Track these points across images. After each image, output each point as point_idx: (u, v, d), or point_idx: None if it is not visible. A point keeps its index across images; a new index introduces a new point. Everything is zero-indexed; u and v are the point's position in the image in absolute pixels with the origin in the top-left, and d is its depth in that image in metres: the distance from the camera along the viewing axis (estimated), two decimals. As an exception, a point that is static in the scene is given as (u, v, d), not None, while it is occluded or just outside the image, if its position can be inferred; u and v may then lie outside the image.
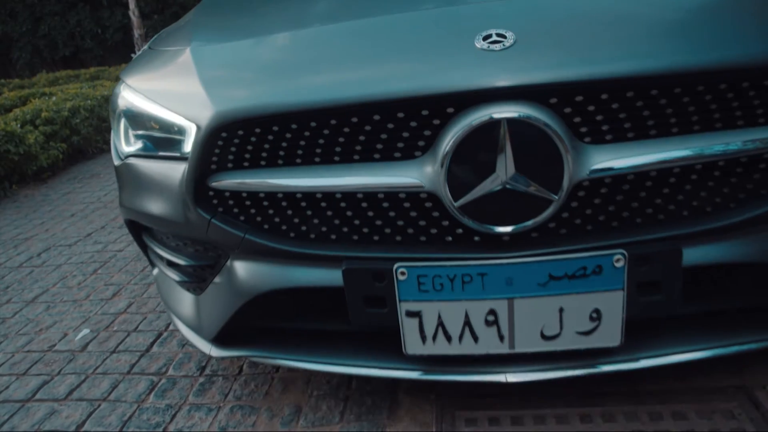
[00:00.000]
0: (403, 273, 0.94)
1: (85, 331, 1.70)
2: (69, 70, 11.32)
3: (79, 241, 2.48)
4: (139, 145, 1.16)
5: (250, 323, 1.17)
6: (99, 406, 1.34)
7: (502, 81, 0.85)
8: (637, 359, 1.01)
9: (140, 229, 1.32)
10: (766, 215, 0.91)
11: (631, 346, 1.00)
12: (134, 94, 1.17)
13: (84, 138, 4.13)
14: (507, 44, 0.89)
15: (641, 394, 1.14)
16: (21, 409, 1.36)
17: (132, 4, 11.76)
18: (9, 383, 1.48)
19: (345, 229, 0.99)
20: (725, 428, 1.03)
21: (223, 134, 0.97)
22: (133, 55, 12.14)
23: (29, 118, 3.80)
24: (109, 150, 4.37)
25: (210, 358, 1.47)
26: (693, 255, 0.94)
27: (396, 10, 1.08)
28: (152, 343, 1.58)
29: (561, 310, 0.95)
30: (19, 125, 3.58)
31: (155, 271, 1.39)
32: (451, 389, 1.22)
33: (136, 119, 1.17)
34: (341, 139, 0.94)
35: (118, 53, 14.32)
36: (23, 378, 1.50)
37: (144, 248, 1.37)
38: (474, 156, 0.87)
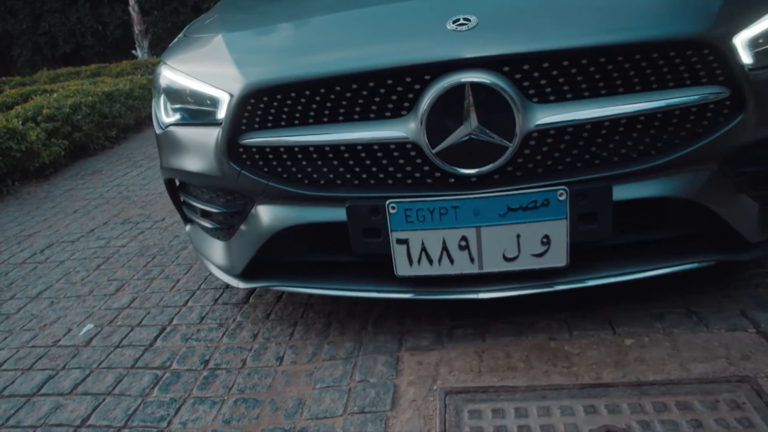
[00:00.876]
0: (393, 208, 1.20)
1: (89, 326, 1.71)
2: (70, 67, 11.30)
3: (81, 237, 2.48)
4: (177, 116, 1.45)
5: (270, 259, 1.42)
6: (104, 400, 1.35)
7: (467, 54, 1.12)
8: (582, 280, 1.26)
9: (177, 188, 1.61)
10: (679, 160, 1.16)
11: (577, 270, 1.26)
12: (174, 72, 1.45)
13: (86, 134, 4.13)
14: (471, 26, 1.16)
15: (644, 384, 1.14)
16: (26, 404, 1.37)
17: (132, 1, 11.73)
18: (14, 378, 1.48)
19: (348, 176, 1.26)
20: (731, 418, 1.03)
21: (251, 101, 1.24)
22: (134, 51, 12.13)
23: (31, 115, 3.80)
24: (110, 147, 4.37)
25: (216, 348, 1.48)
26: (621, 192, 1.19)
27: (386, 0, 1.36)
28: (156, 338, 1.59)
29: (518, 236, 1.20)
30: (20, 122, 3.58)
31: (188, 227, 1.68)
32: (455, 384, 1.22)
33: (175, 94, 1.45)
34: (344, 102, 1.21)
35: (119, 50, 14.29)
36: (28, 373, 1.50)
37: (179, 205, 1.67)
38: (446, 113, 1.14)
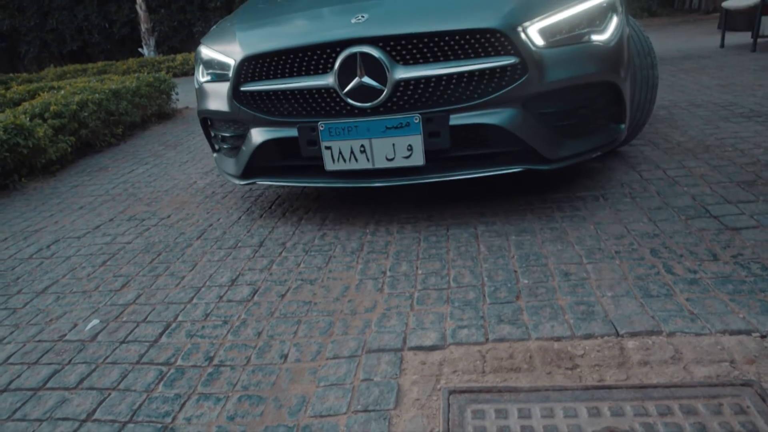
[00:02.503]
0: (321, 126, 1.96)
1: (95, 321, 1.72)
2: (77, 65, 11.35)
3: (87, 234, 2.50)
4: (208, 77, 2.32)
5: (256, 164, 2.20)
6: (109, 394, 1.36)
7: (358, 35, 1.87)
8: (438, 177, 1.95)
9: (207, 125, 2.46)
10: (490, 101, 1.84)
11: (433, 171, 1.97)
12: (207, 49, 2.31)
13: (92, 131, 4.14)
14: (363, 20, 1.91)
15: (648, 387, 1.15)
16: (33, 398, 1.38)
17: (139, -1, 11.78)
18: (21, 372, 1.49)
19: (298, 108, 2.04)
20: (735, 422, 1.03)
21: (245, 64, 2.06)
22: (140, 49, 12.18)
23: (38, 112, 3.82)
24: (116, 144, 4.39)
25: (220, 345, 1.49)
26: (455, 120, 1.88)
27: (322, 4, 2.20)
28: (161, 334, 1.60)
29: (393, 145, 1.92)
30: (28, 118, 3.60)
31: (215, 155, 2.52)
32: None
33: (207, 63, 2.31)
34: (294, 65, 1.99)
35: (125, 47, 14.33)
36: (34, 367, 1.51)
37: (209, 137, 2.50)
38: (348, 70, 1.88)
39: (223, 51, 2.18)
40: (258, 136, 2.12)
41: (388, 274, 1.77)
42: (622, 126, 2.13)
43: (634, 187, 2.24)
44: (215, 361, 1.43)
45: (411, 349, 1.38)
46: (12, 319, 1.80)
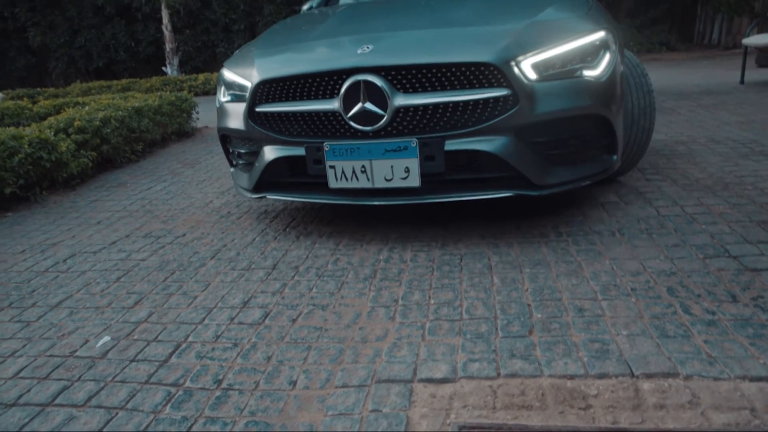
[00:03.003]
0: (327, 147, 2.09)
1: (106, 338, 1.72)
2: (102, 81, 11.62)
3: (103, 249, 2.52)
4: (228, 97, 2.47)
5: (267, 180, 2.35)
6: (116, 414, 1.35)
7: (362, 64, 2.01)
8: (433, 198, 2.07)
9: (226, 141, 2.62)
10: (483, 129, 1.96)
11: (429, 192, 2.09)
12: (229, 72, 2.47)
13: (113, 147, 4.22)
14: (368, 51, 2.05)
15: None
16: (40, 413, 1.38)
17: (165, 19, 12.09)
18: (30, 386, 1.50)
19: (306, 129, 2.18)
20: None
21: (260, 87, 2.22)
22: (164, 68, 12.45)
23: (63, 127, 3.90)
24: (136, 161, 4.46)
25: (229, 368, 1.48)
26: (450, 145, 1.99)
27: (333, 35, 2.39)
28: (171, 354, 1.59)
29: (392, 167, 2.04)
30: (52, 133, 3.68)
31: (232, 170, 2.68)
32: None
33: (228, 84, 2.47)
34: (304, 89, 2.14)
35: (150, 65, 14.67)
36: (44, 382, 1.52)
37: (227, 153, 2.67)
38: (353, 96, 2.02)
39: (242, 74, 2.34)
40: (270, 153, 2.27)
41: (401, 302, 1.76)
42: (615, 157, 2.23)
43: (651, 223, 2.21)
44: (224, 385, 1.43)
45: (421, 381, 1.36)
46: (25, 332, 1.82)
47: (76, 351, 1.67)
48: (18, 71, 15.41)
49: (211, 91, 10.56)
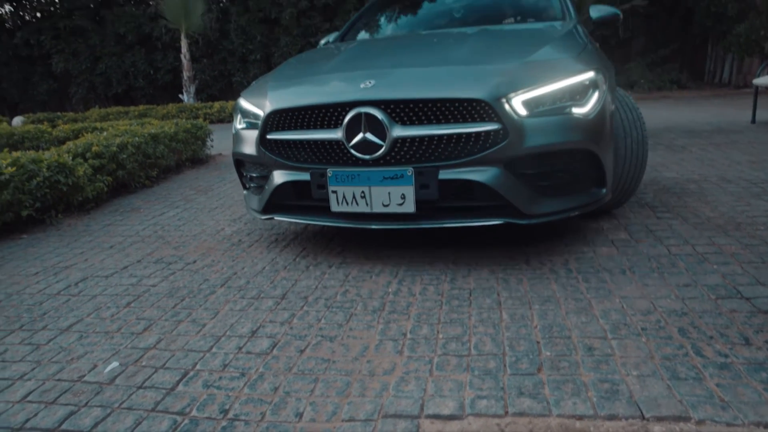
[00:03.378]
0: (330, 173, 2.23)
1: (114, 364, 1.73)
2: (120, 107, 11.89)
3: (115, 273, 2.55)
4: (243, 124, 2.64)
5: (275, 203, 2.51)
6: (122, 442, 1.35)
7: (364, 98, 2.15)
8: (427, 223, 2.20)
9: (239, 165, 2.78)
10: (475, 160, 2.08)
11: (424, 218, 2.21)
12: (245, 102, 2.64)
13: (129, 173, 4.30)
14: (370, 86, 2.19)
15: (676, 478, 1.09)
16: (46, 439, 1.38)
17: (184, 48, 12.40)
18: (38, 411, 1.50)
19: (311, 156, 2.33)
20: None
21: (271, 117, 2.39)
22: (180, 95, 12.71)
23: (81, 151, 3.98)
24: (150, 186, 4.53)
25: (236, 398, 1.47)
26: (444, 174, 2.12)
27: (340, 71, 2.53)
28: (178, 382, 1.59)
29: (389, 193, 2.16)
30: (71, 157, 3.76)
31: (245, 192, 2.84)
32: None
33: (243, 113, 2.63)
34: (311, 119, 2.29)
35: (167, 92, 14.99)
36: (51, 407, 1.52)
37: (240, 176, 2.83)
38: (355, 126, 2.16)
39: (256, 104, 2.52)
40: (278, 177, 2.43)
41: (409, 336, 1.76)
42: (604, 190, 2.32)
43: (661, 261, 2.21)
44: (230, 415, 1.42)
45: (428, 417, 1.35)
46: (35, 355, 1.83)
47: (84, 376, 1.67)
48: (40, 96, 15.80)
49: (225, 119, 10.75)
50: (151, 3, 13.09)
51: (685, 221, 2.69)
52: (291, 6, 12.76)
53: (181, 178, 4.87)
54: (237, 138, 2.65)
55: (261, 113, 2.43)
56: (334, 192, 2.24)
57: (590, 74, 2.24)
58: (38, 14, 14.99)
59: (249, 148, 2.52)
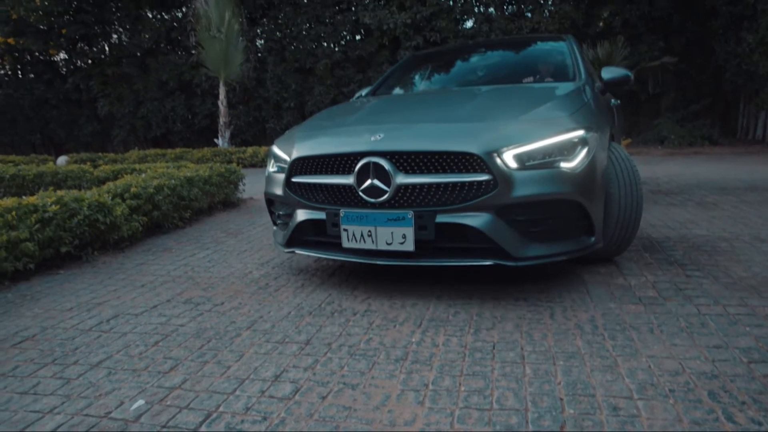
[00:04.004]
0: (342, 213, 2.51)
1: (140, 401, 1.76)
2: (157, 149, 12.36)
3: (145, 312, 2.61)
4: (275, 168, 2.99)
5: (296, 237, 2.83)
6: (144, 481, 1.36)
7: (373, 149, 2.45)
8: (426, 261, 2.44)
9: (270, 203, 3.13)
10: (468, 206, 2.32)
11: (422, 256, 2.45)
12: (277, 149, 2.99)
13: (163, 214, 4.44)
14: (379, 139, 2.48)
15: None
16: (72, 474, 1.40)
17: (222, 95, 12.93)
18: (65, 446, 1.53)
19: (327, 198, 2.63)
20: None
21: (295, 163, 2.74)
22: (216, 140, 13.16)
23: (120, 192, 4.16)
24: (182, 227, 4.67)
25: (255, 446, 1.48)
26: (441, 218, 2.36)
27: (356, 124, 2.86)
28: (201, 422, 1.62)
29: (392, 233, 2.41)
30: (110, 197, 3.92)
31: (274, 228, 3.18)
32: None
33: (275, 158, 3.01)
34: (329, 166, 2.62)
35: (203, 137, 15.54)
36: (78, 442, 1.55)
37: (271, 213, 3.19)
38: (364, 173, 2.46)
39: (286, 151, 2.87)
40: (300, 216, 2.76)
41: (431, 387, 1.75)
42: (592, 239, 2.53)
43: (691, 321, 2.16)
44: (250, 459, 1.43)
45: (448, 471, 1.34)
46: (65, 389, 1.88)
47: (110, 412, 1.71)
48: (84, 137, 16.56)
49: (257, 164, 11.06)
50: (193, 52, 13.76)
51: (715, 280, 2.64)
52: (326, 57, 13.26)
53: (213, 221, 5.00)
54: (268, 180, 3.01)
55: (288, 159, 2.78)
56: (345, 230, 2.52)
57: (580, 132, 2.45)
58: (90, 61, 15.91)
59: (278, 189, 2.88)
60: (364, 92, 4.28)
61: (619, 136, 5.32)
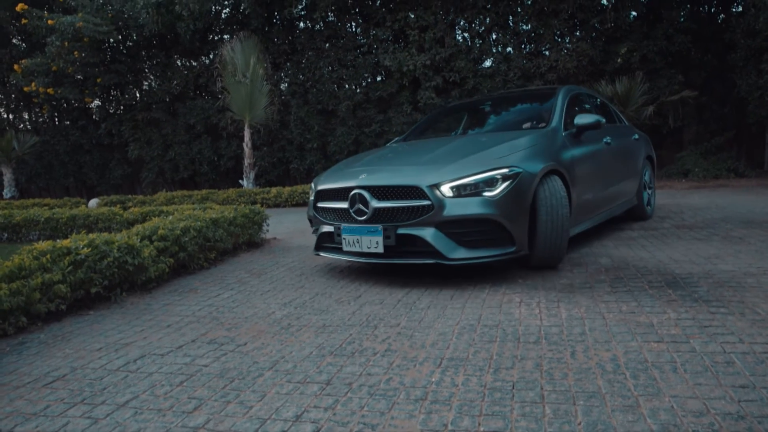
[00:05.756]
0: (341, 227, 3.78)
1: (165, 442, 1.80)
2: (184, 191, 12.68)
3: (171, 352, 2.67)
4: (312, 197, 4.27)
5: (321, 244, 4.14)
6: None
7: (359, 184, 3.71)
8: (391, 259, 3.59)
9: (310, 221, 4.37)
10: (417, 222, 3.45)
11: (390, 256, 3.60)
12: (314, 183, 4.32)
13: (189, 255, 4.56)
14: (364, 177, 3.76)
15: None
16: None
17: (247, 137, 13.29)
18: (92, 485, 1.57)
19: (334, 217, 3.95)
20: None
21: (318, 193, 4.16)
22: (241, 180, 13.46)
23: (148, 234, 4.29)
24: (208, 268, 4.77)
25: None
26: (401, 230, 3.50)
27: (355, 167, 4.15)
28: (223, 464, 1.64)
29: (370, 240, 3.59)
30: (138, 239, 4.05)
31: (312, 228, 4.37)
32: None
33: (311, 190, 4.34)
34: (334, 195, 3.97)
35: (229, 178, 15.91)
36: (105, 482, 1.59)
37: (311, 226, 4.42)
38: (354, 200, 3.71)
39: (315, 185, 4.25)
40: (322, 229, 4.06)
41: (450, 427, 1.75)
42: (513, 248, 3.48)
43: (716, 359, 2.13)
44: (271, 500, 1.44)
45: None
46: (93, 429, 1.93)
47: (136, 453, 1.75)
48: (115, 179, 17.12)
49: (281, 204, 11.24)
50: (219, 96, 14.26)
51: (741, 317, 2.60)
52: (347, 99, 13.59)
53: (237, 261, 5.10)
54: (309, 205, 4.32)
55: (314, 191, 4.19)
56: (344, 239, 3.74)
57: (503, 170, 3.46)
58: (122, 107, 16.59)
59: (311, 212, 4.26)
60: (396, 138, 5.65)
61: (646, 163, 6.10)
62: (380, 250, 3.53)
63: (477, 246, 3.41)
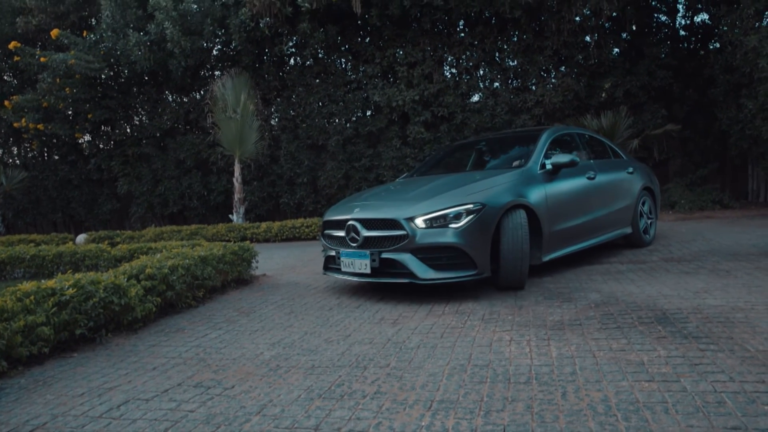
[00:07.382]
0: (340, 251, 4.61)
1: (147, 495, 1.74)
2: (173, 226, 12.61)
3: (155, 397, 2.61)
4: (322, 226, 5.15)
5: (327, 265, 4.99)
6: None
7: (353, 217, 4.54)
8: (377, 278, 4.32)
9: (323, 247, 5.11)
10: (395, 248, 4.22)
11: (376, 276, 4.34)
12: (324, 216, 5.16)
13: (177, 293, 4.50)
14: (357, 211, 4.58)
15: None
16: None
17: (237, 172, 13.32)
18: None
19: (335, 243, 4.82)
20: None
21: (324, 223, 5.08)
22: (230, 215, 13.43)
23: (135, 273, 4.24)
24: (195, 306, 4.71)
25: None
26: (385, 255, 4.26)
27: (353, 203, 4.92)
28: None
29: (361, 262, 4.38)
30: (125, 279, 4.00)
31: (322, 251, 5.16)
32: None
33: (322, 219, 5.24)
34: (335, 225, 4.84)
35: (218, 213, 15.86)
36: None
37: (323, 250, 5.14)
38: (349, 230, 4.54)
39: (324, 217, 5.05)
40: (327, 252, 4.88)
41: (440, 476, 1.71)
42: (474, 271, 4.11)
43: (707, 399, 2.12)
44: None
45: None
46: (72, 482, 1.86)
47: (117, 508, 1.69)
48: (104, 214, 17.00)
49: (271, 239, 11.20)
50: (210, 132, 14.33)
51: (731, 354, 2.59)
52: (337, 134, 13.72)
53: (226, 299, 5.04)
54: (321, 232, 5.11)
55: (323, 221, 5.02)
56: (343, 261, 4.53)
57: (468, 206, 4.13)
58: (112, 142, 16.61)
59: (321, 239, 5.08)
60: (404, 175, 6.48)
61: (645, 193, 6.55)
62: (368, 270, 4.28)
63: (444, 269, 4.09)
